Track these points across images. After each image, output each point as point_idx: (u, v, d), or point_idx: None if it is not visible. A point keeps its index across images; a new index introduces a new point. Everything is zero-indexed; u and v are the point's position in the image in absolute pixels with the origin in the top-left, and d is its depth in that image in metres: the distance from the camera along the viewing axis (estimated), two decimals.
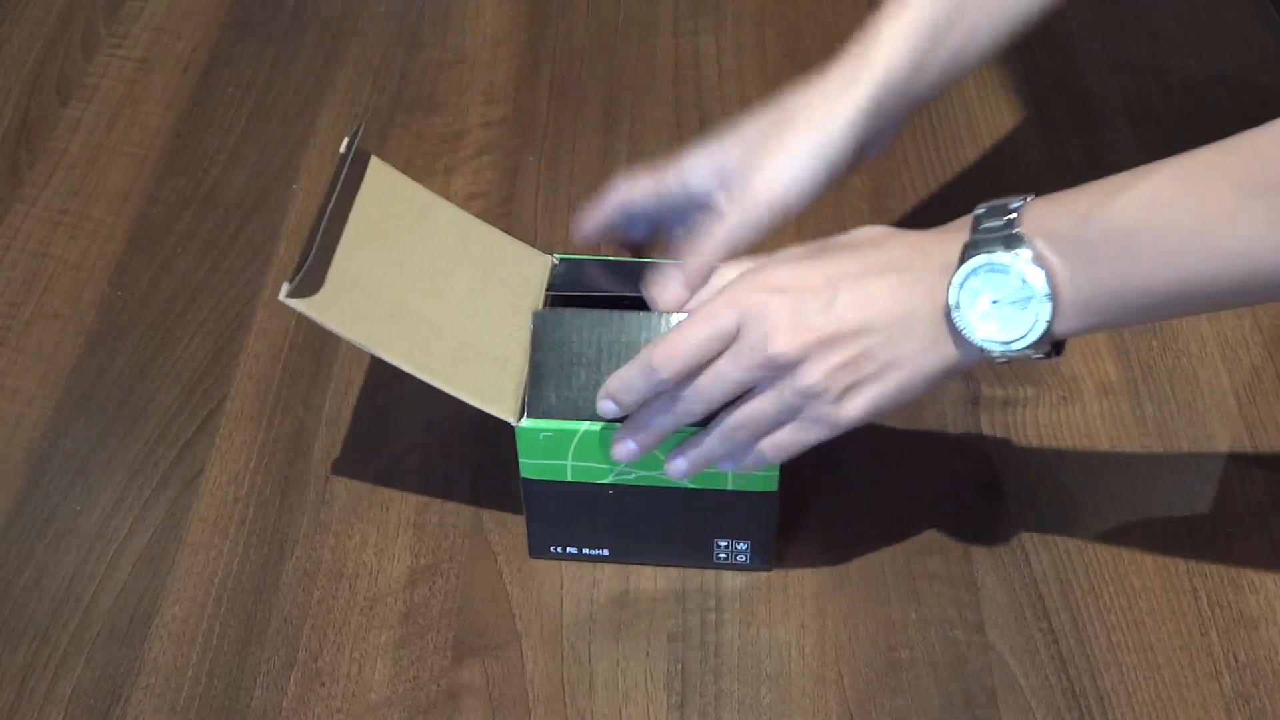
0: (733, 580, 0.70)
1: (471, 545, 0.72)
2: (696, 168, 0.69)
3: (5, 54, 1.05)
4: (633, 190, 0.72)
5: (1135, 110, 0.97)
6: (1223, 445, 0.76)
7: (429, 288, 0.69)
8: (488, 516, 0.74)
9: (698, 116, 0.99)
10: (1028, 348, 0.57)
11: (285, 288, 0.63)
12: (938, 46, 0.67)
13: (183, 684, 0.67)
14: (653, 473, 0.66)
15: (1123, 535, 0.72)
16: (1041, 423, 0.77)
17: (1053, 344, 0.58)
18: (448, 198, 0.91)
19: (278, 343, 0.82)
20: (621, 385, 0.62)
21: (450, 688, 0.67)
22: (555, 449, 0.66)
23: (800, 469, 0.74)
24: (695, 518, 0.68)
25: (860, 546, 0.72)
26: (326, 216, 0.66)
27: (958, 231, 0.59)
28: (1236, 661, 0.67)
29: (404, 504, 0.74)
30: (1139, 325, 0.81)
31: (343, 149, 0.69)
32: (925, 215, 0.90)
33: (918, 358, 0.59)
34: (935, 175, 0.93)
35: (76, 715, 0.66)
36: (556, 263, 0.73)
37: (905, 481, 0.75)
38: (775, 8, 1.08)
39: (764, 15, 1.08)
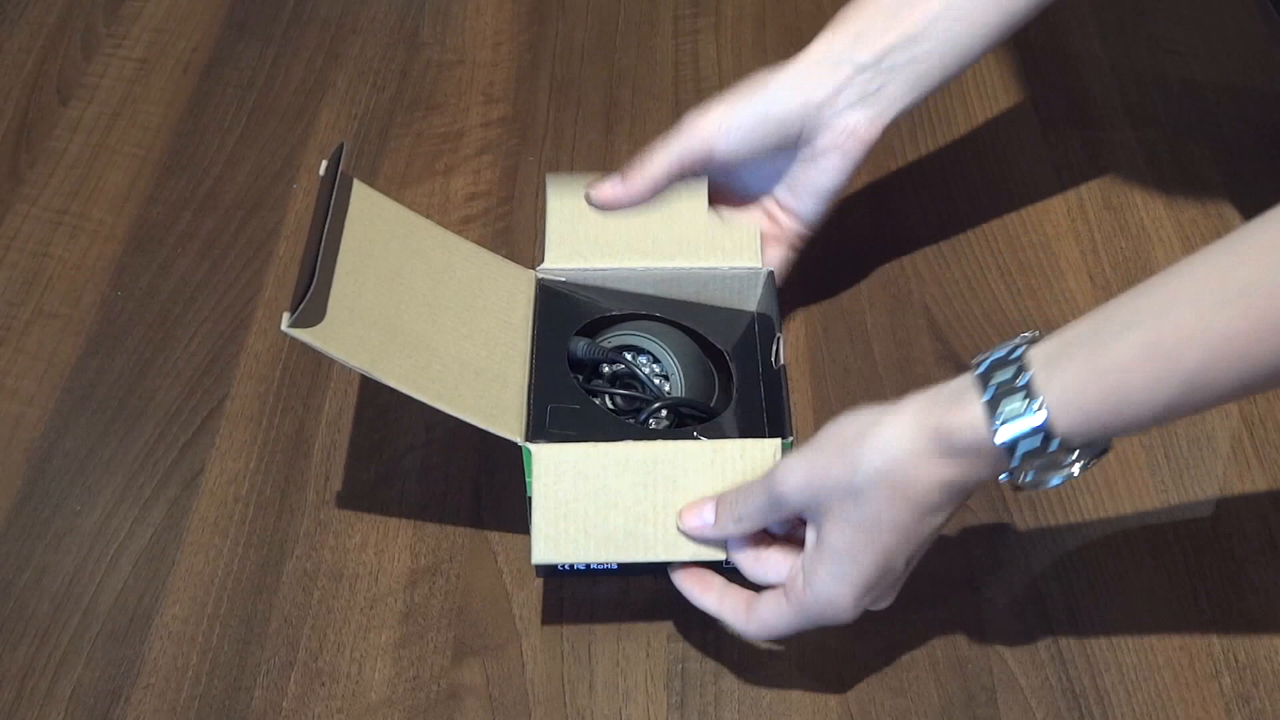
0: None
1: (471, 545, 0.72)
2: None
3: (5, 54, 1.05)
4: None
5: (1135, 110, 0.97)
6: (1223, 445, 0.76)
7: (422, 310, 0.69)
8: (488, 516, 0.74)
9: None
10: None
11: (286, 318, 0.63)
12: (890, 26, 0.71)
13: (183, 684, 0.67)
14: (665, 558, 0.66)
15: (1123, 535, 0.72)
16: None
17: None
18: (447, 197, 0.92)
19: (278, 343, 0.82)
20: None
21: (450, 688, 0.67)
22: None
23: None
24: None
25: None
26: (322, 244, 0.66)
27: (975, 445, 0.55)
28: (1236, 661, 0.67)
29: (404, 504, 0.74)
30: None
31: (322, 171, 0.69)
32: (926, 216, 0.90)
33: (953, 507, 0.60)
34: (935, 176, 0.93)
35: (76, 715, 0.66)
36: (539, 278, 0.73)
37: None
38: (775, 8, 1.08)
39: (764, 15, 1.08)
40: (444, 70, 1.03)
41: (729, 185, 0.77)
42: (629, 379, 0.73)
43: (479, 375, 0.67)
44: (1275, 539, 0.72)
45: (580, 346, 0.72)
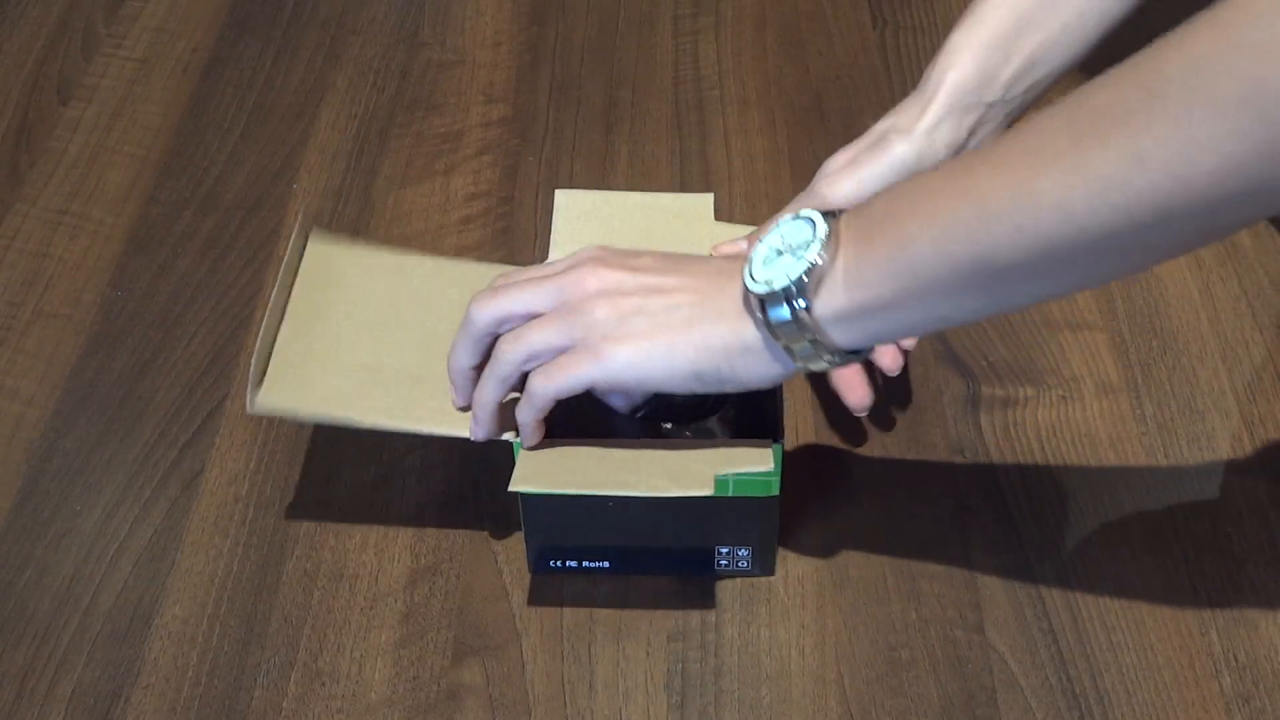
0: (733, 580, 0.70)
1: (471, 545, 0.72)
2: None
3: (5, 54, 1.05)
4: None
5: None
6: (1223, 445, 0.76)
7: (408, 343, 0.70)
8: (488, 516, 0.73)
9: (698, 117, 0.99)
10: (788, 290, 0.56)
11: (249, 400, 0.65)
12: (1010, 56, 0.70)
13: (183, 684, 0.67)
14: (652, 494, 0.66)
15: (1123, 535, 0.72)
16: (1041, 423, 0.77)
17: (846, 350, 0.58)
18: (447, 198, 0.92)
19: None
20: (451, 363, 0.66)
21: (450, 688, 0.67)
22: None
23: (800, 469, 0.74)
24: (696, 526, 0.68)
25: (860, 546, 0.72)
26: (277, 317, 0.69)
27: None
28: (1236, 661, 0.67)
29: (404, 504, 0.74)
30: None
31: (289, 249, 0.71)
32: None
33: (708, 323, 0.60)
34: None
35: (76, 715, 0.66)
36: None
37: (905, 481, 0.75)
38: (775, 8, 1.08)
39: (764, 15, 1.08)
40: (444, 70, 1.03)
41: None
42: None
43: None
44: (1275, 539, 0.72)
45: None
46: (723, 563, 0.70)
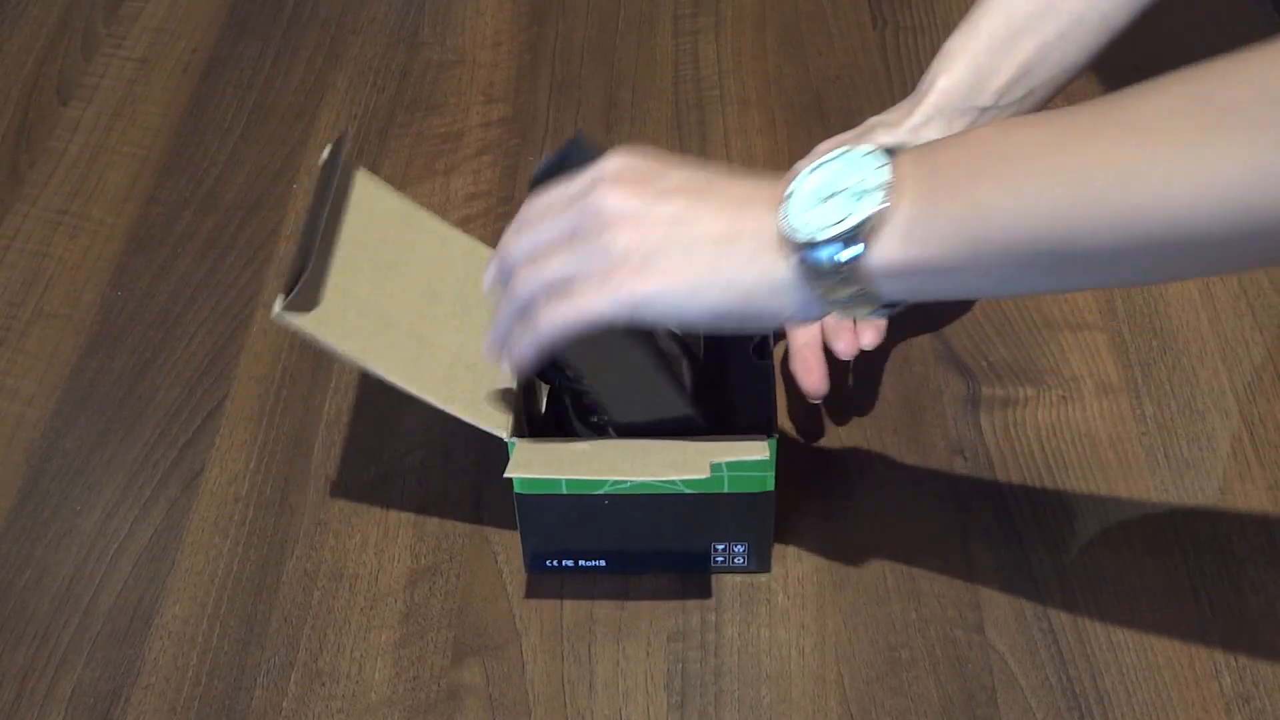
0: (733, 580, 0.70)
1: (471, 545, 0.72)
2: None
3: (5, 54, 1.05)
4: None
5: None
6: (1223, 445, 0.76)
7: (418, 302, 0.69)
8: (488, 516, 0.74)
9: (698, 116, 0.99)
10: (840, 239, 0.52)
11: (279, 303, 0.63)
12: (1004, 61, 0.71)
13: (183, 684, 0.67)
14: (648, 479, 0.66)
15: (1123, 535, 0.72)
16: (1041, 423, 0.77)
17: (885, 304, 0.54)
18: (447, 198, 0.92)
19: (278, 342, 0.82)
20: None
21: (450, 688, 0.67)
22: None
23: (800, 469, 0.74)
24: (692, 522, 0.68)
25: (860, 546, 0.72)
26: (320, 230, 0.66)
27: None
28: (1236, 661, 0.67)
29: (404, 504, 0.74)
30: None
31: (324, 157, 0.69)
32: None
33: (738, 265, 0.55)
34: None
35: (76, 715, 0.66)
36: None
37: (905, 481, 0.75)
38: (775, 8, 1.08)
39: (764, 15, 1.08)
40: (444, 70, 1.03)
41: None
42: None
43: (470, 370, 0.67)
44: (1275, 539, 0.72)
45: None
46: (719, 559, 0.70)
